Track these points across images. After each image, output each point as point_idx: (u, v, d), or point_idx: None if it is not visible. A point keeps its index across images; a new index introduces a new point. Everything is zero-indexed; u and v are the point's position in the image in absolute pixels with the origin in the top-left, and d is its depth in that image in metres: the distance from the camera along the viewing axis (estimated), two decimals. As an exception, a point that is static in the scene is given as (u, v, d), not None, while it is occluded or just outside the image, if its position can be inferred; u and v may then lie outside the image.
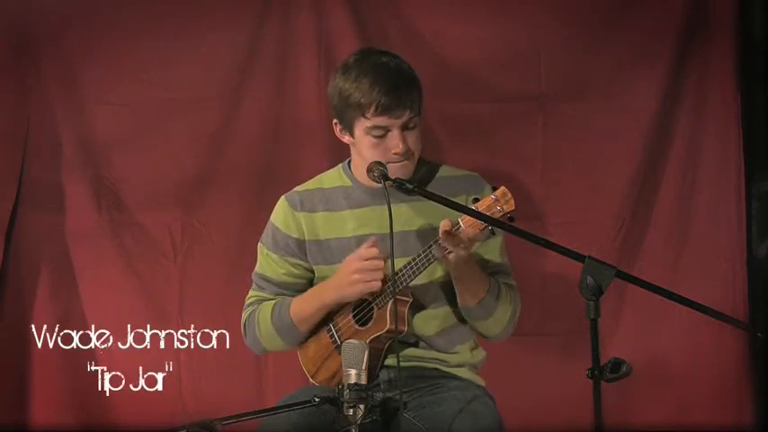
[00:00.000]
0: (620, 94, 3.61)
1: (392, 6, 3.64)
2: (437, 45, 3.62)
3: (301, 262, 2.95)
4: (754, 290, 3.59)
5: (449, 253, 2.69)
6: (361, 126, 2.80)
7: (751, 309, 3.59)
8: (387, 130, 2.78)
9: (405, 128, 2.79)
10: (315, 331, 2.94)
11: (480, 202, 2.68)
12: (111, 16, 3.66)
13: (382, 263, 2.75)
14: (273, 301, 2.94)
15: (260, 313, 2.94)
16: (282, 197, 3.00)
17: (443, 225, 2.67)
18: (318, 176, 3.02)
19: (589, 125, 3.63)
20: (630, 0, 3.60)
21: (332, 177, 2.99)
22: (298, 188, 3.01)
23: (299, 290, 2.98)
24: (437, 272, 2.84)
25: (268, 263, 2.97)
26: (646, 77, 3.60)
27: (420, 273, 2.76)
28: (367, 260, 2.76)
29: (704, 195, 3.61)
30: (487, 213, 2.64)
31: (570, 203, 3.63)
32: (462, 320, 2.92)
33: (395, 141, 2.78)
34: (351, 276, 2.78)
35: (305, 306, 2.90)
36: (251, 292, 3.01)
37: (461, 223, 2.68)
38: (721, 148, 3.60)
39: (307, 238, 2.93)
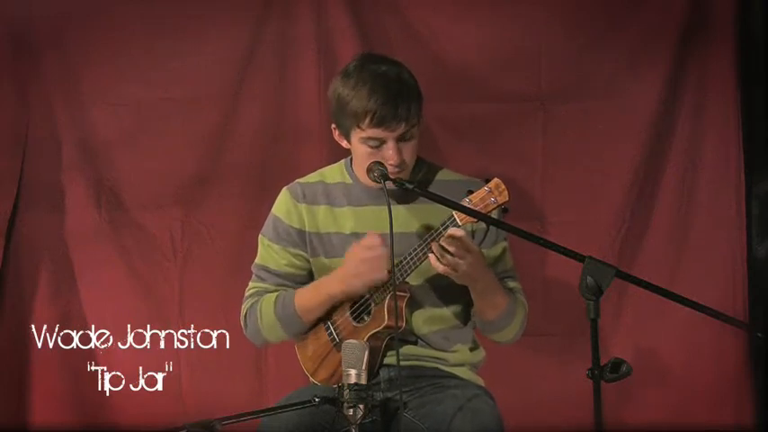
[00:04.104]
0: (620, 94, 3.61)
1: (392, 7, 3.64)
2: (437, 45, 3.62)
3: (302, 252, 2.94)
4: (754, 290, 3.59)
5: (446, 262, 2.69)
6: (356, 136, 2.80)
7: (751, 309, 3.59)
8: (382, 141, 2.77)
9: (401, 139, 2.77)
10: (313, 329, 2.94)
11: (474, 194, 2.69)
12: (111, 16, 3.66)
13: (385, 251, 2.73)
14: (276, 293, 2.93)
15: (262, 304, 2.93)
16: (284, 188, 3.00)
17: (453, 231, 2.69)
18: (320, 170, 3.02)
19: (589, 125, 3.63)
20: (630, 0, 3.60)
21: (334, 173, 2.99)
22: (300, 180, 3.00)
23: (300, 281, 2.97)
24: (433, 271, 2.83)
25: (269, 254, 2.97)
26: (646, 77, 3.60)
27: (416, 267, 2.76)
28: (370, 248, 2.76)
29: (704, 195, 3.61)
30: (481, 205, 2.66)
31: (570, 203, 3.64)
32: (461, 322, 2.92)
33: (389, 153, 2.76)
34: (356, 267, 2.78)
35: (311, 297, 2.89)
36: (251, 284, 3.00)
37: (456, 217, 2.69)
38: (721, 148, 3.60)
39: (308, 230, 2.93)
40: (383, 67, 2.81)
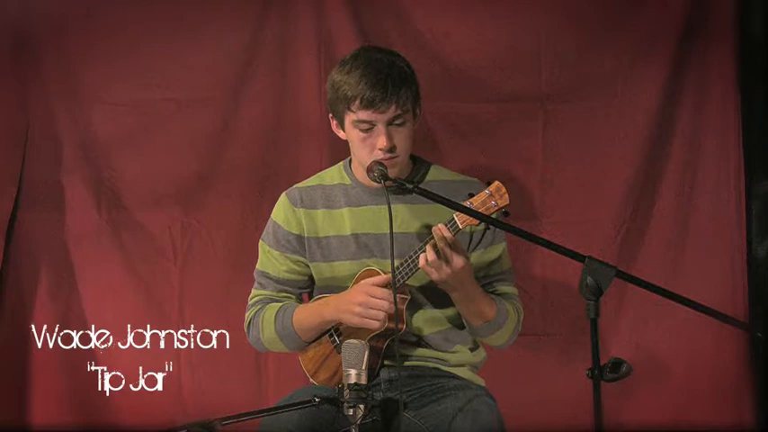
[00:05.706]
0: (620, 94, 3.61)
1: (392, 7, 3.64)
2: (437, 45, 3.62)
3: (302, 258, 2.95)
4: (754, 290, 3.59)
5: (435, 268, 2.69)
6: (348, 119, 2.81)
7: (751, 309, 3.59)
8: (372, 124, 2.78)
9: (391, 124, 2.78)
10: (314, 332, 2.95)
11: (475, 198, 2.70)
12: (111, 16, 3.65)
13: (387, 306, 2.73)
14: (277, 306, 2.93)
15: (264, 316, 2.94)
16: (283, 193, 3.01)
17: (440, 228, 2.68)
18: (319, 173, 3.03)
19: (589, 125, 3.63)
20: (630, 0, 3.60)
21: (332, 175, 2.99)
22: (298, 185, 3.01)
23: (301, 287, 2.98)
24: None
25: (269, 260, 2.97)
26: (646, 77, 3.60)
27: (417, 269, 2.75)
28: (375, 298, 2.74)
29: (704, 195, 3.61)
30: (482, 208, 2.66)
31: (570, 203, 3.64)
32: (461, 323, 2.92)
33: (379, 137, 2.78)
34: (354, 306, 2.77)
35: (307, 318, 2.89)
36: (254, 291, 3.01)
37: (456, 219, 2.69)
38: (721, 148, 3.60)
39: (306, 235, 2.94)
40: (377, 54, 2.83)
